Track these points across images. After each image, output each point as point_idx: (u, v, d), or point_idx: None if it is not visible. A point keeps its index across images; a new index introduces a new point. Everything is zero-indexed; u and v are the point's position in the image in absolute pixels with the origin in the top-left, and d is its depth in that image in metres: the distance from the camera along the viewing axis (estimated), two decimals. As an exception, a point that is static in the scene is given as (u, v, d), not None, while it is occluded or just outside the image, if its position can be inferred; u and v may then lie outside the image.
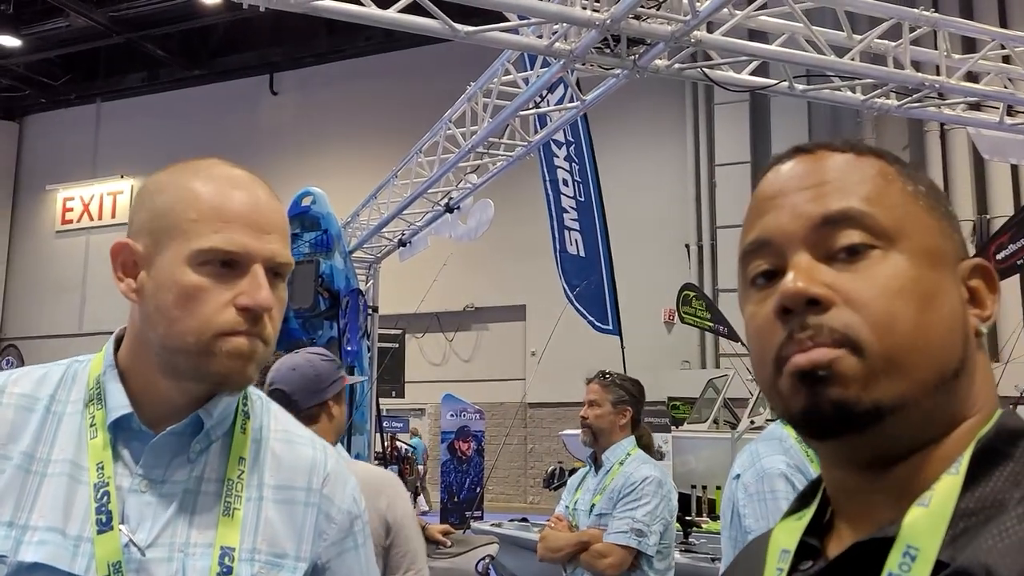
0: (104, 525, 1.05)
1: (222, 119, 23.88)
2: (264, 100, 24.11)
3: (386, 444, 16.28)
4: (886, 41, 5.67)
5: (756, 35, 5.82)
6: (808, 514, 0.76)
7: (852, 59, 5.45)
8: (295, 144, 22.82)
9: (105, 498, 1.06)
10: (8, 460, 1.08)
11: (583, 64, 5.44)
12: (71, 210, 26.26)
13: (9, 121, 27.01)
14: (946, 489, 0.65)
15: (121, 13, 20.94)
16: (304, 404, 2.44)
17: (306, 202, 9.26)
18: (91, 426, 1.10)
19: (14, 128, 27.17)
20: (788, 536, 0.76)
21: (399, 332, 11.86)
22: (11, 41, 21.59)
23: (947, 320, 0.69)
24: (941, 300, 0.70)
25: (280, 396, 2.41)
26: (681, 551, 6.12)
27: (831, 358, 0.67)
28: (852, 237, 0.70)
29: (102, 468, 1.08)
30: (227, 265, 1.07)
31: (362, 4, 4.89)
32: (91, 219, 25.67)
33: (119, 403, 1.11)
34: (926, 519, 0.64)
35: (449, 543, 5.64)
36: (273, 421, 1.23)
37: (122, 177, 24.93)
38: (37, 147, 26.96)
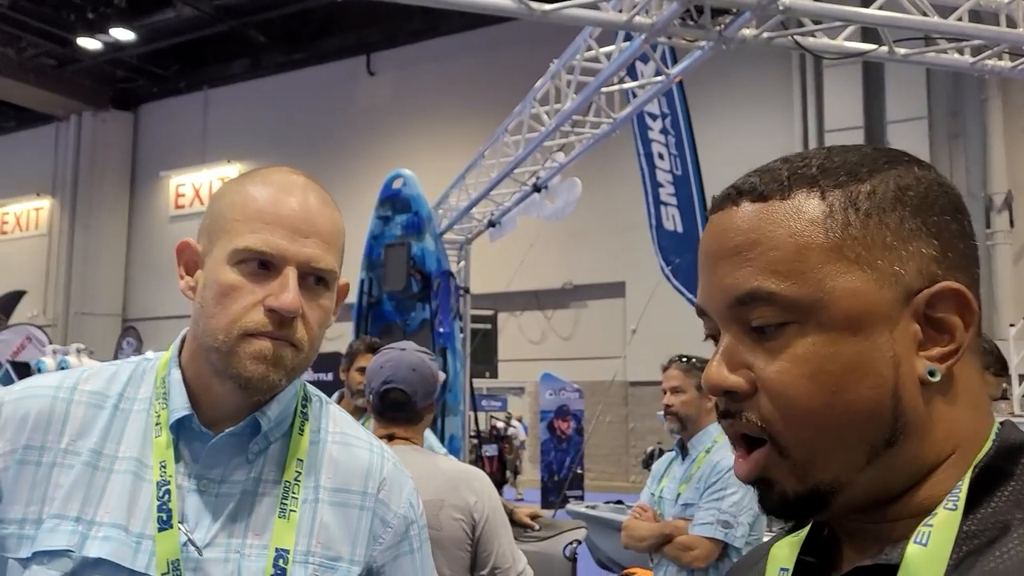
0: (165, 523, 1.07)
1: (322, 102, 24.34)
2: (362, 81, 24.43)
3: (490, 424, 16.46)
4: (996, -2, 5.25)
5: (852, -2, 5.46)
6: (804, 531, 0.75)
7: (959, 19, 5.06)
8: (390, 125, 23.08)
9: (167, 496, 1.08)
10: (77, 456, 1.09)
11: (667, 37, 5.22)
12: (183, 195, 27.35)
13: (125, 111, 28.23)
14: (944, 525, 0.63)
15: (224, 1, 21.50)
16: (421, 404, 2.45)
17: (397, 184, 9.28)
18: (156, 424, 1.12)
19: (130, 118, 28.39)
20: (787, 555, 0.75)
21: (491, 313, 11.83)
22: (125, 34, 22.46)
23: (870, 392, 0.66)
24: (863, 372, 0.65)
25: (400, 395, 2.42)
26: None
27: (759, 470, 0.69)
28: (765, 316, 0.68)
29: (164, 467, 1.09)
30: (263, 266, 1.08)
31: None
32: (202, 204, 26.64)
33: (180, 404, 1.12)
34: (925, 557, 0.62)
35: (537, 527, 5.61)
36: (331, 423, 1.23)
37: (229, 162, 25.75)
38: (151, 135, 28.12)
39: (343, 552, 1.14)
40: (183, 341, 1.18)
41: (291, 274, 1.07)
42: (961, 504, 0.63)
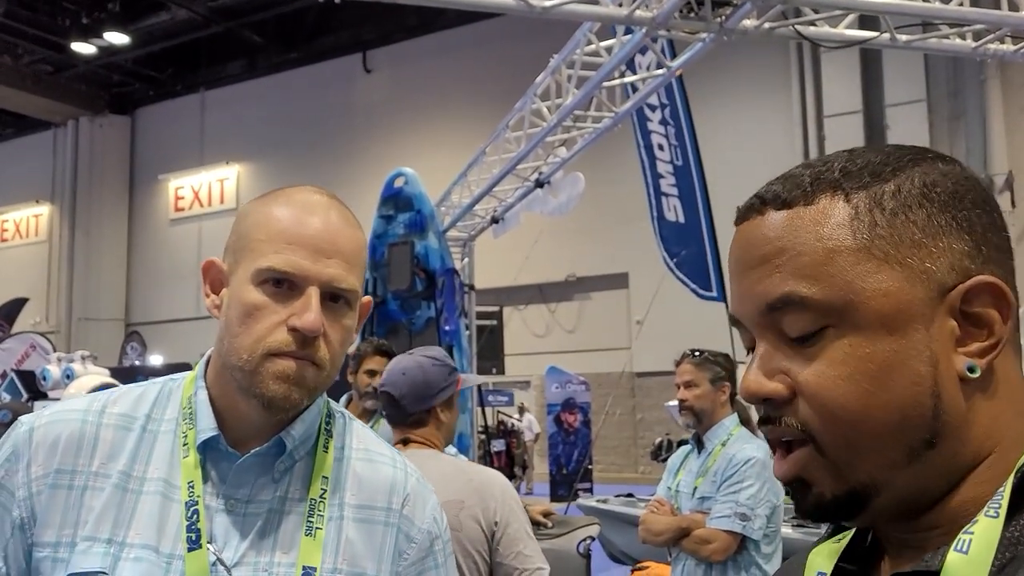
0: (194, 543, 1.08)
1: (319, 101, 24.30)
2: (358, 79, 24.37)
3: (498, 419, 16.44)
4: (998, -18, 5.22)
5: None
6: (847, 537, 0.74)
7: (960, 4, 5.03)
8: (389, 122, 23.03)
9: (195, 516, 1.09)
10: (107, 479, 1.11)
11: (667, 30, 5.19)
12: (182, 198, 27.32)
13: (122, 115, 28.20)
14: (985, 533, 0.62)
15: (219, 3, 21.46)
16: (411, 409, 2.45)
17: (398, 183, 9.26)
18: (183, 445, 1.13)
19: (127, 122, 28.35)
20: (825, 561, 0.74)
21: (496, 309, 11.82)
22: (120, 38, 22.40)
23: (907, 391, 0.65)
24: (899, 371, 0.65)
25: (388, 399, 2.46)
26: (793, 526, 5.91)
27: (797, 469, 0.69)
28: (799, 323, 0.68)
29: (192, 487, 1.11)
30: (286, 285, 1.09)
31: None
32: (202, 206, 26.63)
33: (207, 424, 1.13)
34: (967, 566, 0.61)
35: (550, 524, 5.61)
36: (355, 440, 1.24)
37: (228, 163, 25.74)
38: (148, 139, 28.09)
39: (369, 568, 1.15)
40: (208, 360, 1.19)
41: (313, 294, 1.08)
42: (1004, 511, 0.62)
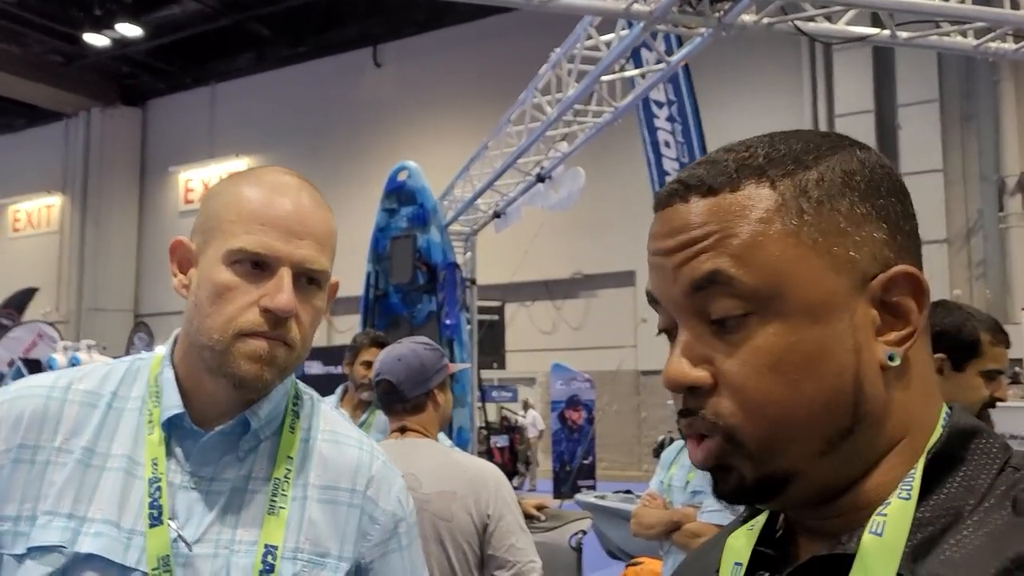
0: (155, 520, 1.08)
1: (328, 94, 24.33)
2: (367, 73, 24.37)
3: (501, 415, 16.41)
4: (999, -21, 5.17)
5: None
6: (760, 521, 0.75)
7: (961, 1, 4.98)
8: (397, 116, 23.04)
9: (157, 493, 1.09)
10: (70, 454, 1.11)
11: (667, 24, 5.16)
12: (192, 190, 27.40)
13: (133, 107, 28.30)
14: (898, 514, 0.63)
15: (229, -5, 21.50)
16: (410, 394, 2.48)
17: (401, 177, 9.26)
18: (148, 422, 1.14)
19: (137, 113, 28.46)
20: (742, 545, 0.74)
21: (498, 304, 11.80)
22: (132, 30, 22.46)
23: (832, 381, 0.65)
24: (824, 361, 0.65)
25: (387, 386, 2.48)
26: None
27: (715, 456, 0.67)
28: (724, 306, 0.66)
29: (156, 464, 1.11)
30: (257, 266, 1.10)
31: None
32: (211, 198, 26.68)
33: (172, 402, 1.14)
34: (881, 546, 0.62)
35: (543, 517, 5.65)
36: (322, 421, 1.24)
37: (237, 156, 25.77)
38: (159, 131, 28.18)
39: (331, 548, 1.15)
40: (176, 340, 1.19)
41: (286, 275, 1.09)
42: (915, 493, 0.63)
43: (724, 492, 0.69)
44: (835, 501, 0.67)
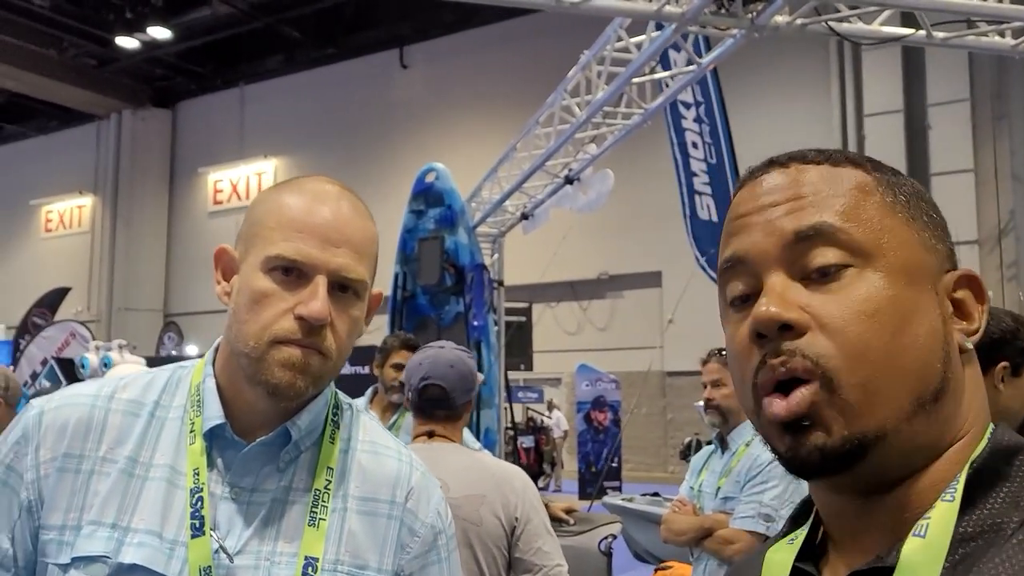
0: (197, 530, 1.08)
1: (356, 96, 24.42)
2: (395, 75, 24.46)
3: (527, 416, 16.41)
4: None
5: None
6: (800, 536, 0.75)
7: (999, 1, 4.92)
8: (425, 117, 23.09)
9: (199, 503, 1.09)
10: (114, 464, 1.11)
11: (698, 26, 5.14)
12: (221, 191, 27.62)
13: (164, 109, 28.57)
14: (942, 517, 0.63)
15: (259, -2, 21.66)
16: (459, 401, 2.48)
17: (429, 178, 9.27)
18: (190, 432, 1.14)
19: (168, 115, 28.73)
20: (781, 560, 0.74)
21: (525, 306, 11.80)
22: (162, 33, 22.71)
23: (925, 340, 0.67)
24: (919, 319, 0.67)
25: (439, 392, 2.46)
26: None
27: (805, 407, 0.66)
28: (826, 256, 0.68)
29: (198, 474, 1.11)
30: (294, 273, 1.09)
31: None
32: (239, 199, 26.88)
33: (214, 412, 1.13)
34: (924, 551, 0.62)
35: (572, 521, 5.61)
36: (361, 432, 1.24)
37: (266, 157, 25.95)
38: (189, 132, 28.43)
39: (371, 561, 1.15)
40: (217, 348, 1.20)
41: (321, 282, 1.09)
42: (958, 497, 0.64)
43: (801, 455, 0.66)
44: (892, 491, 0.67)
